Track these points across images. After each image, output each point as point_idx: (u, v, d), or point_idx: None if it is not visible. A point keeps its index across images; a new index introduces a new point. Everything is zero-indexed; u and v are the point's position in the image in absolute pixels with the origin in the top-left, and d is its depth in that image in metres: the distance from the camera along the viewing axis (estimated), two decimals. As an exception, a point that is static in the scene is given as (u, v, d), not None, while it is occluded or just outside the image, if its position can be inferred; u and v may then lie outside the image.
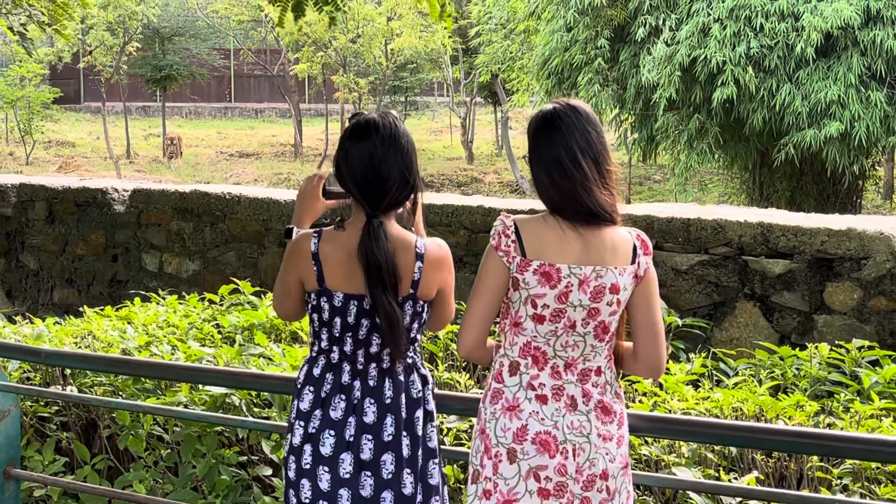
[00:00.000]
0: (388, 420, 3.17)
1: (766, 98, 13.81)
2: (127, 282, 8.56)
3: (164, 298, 6.26)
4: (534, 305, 3.00)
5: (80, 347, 5.27)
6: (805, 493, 3.72)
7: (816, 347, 4.92)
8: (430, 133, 35.34)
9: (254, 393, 4.49)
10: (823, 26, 13.31)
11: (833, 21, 13.27)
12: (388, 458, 3.15)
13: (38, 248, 9.09)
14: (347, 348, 3.21)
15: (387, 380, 3.20)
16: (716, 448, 3.93)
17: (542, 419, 3.00)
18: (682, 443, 3.87)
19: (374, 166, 3.16)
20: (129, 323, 5.66)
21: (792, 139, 13.69)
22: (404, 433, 3.18)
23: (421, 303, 3.20)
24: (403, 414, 3.19)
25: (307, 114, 37.83)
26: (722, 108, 14.04)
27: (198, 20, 35.31)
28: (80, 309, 6.18)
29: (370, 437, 3.15)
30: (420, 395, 3.24)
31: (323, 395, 3.22)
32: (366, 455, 3.14)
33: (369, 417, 3.16)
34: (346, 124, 3.30)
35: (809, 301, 5.79)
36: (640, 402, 4.21)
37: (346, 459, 3.14)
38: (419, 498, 3.17)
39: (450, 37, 26.78)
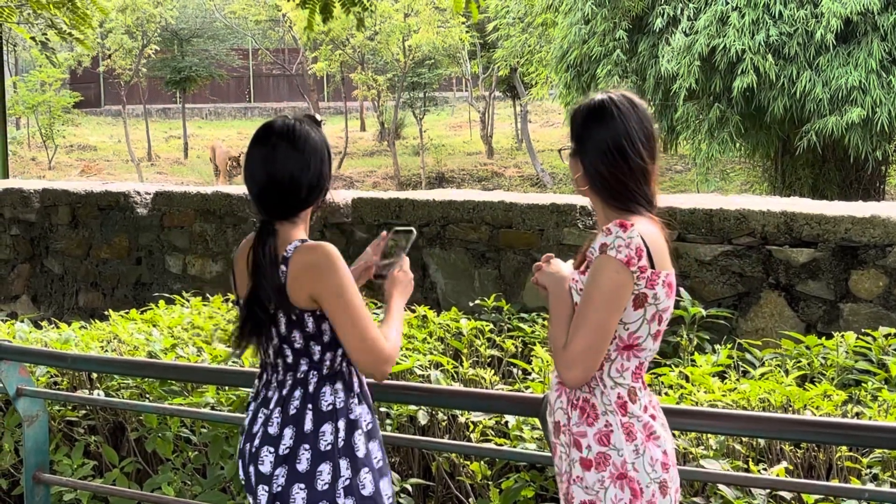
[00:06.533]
0: (288, 432, 3.05)
1: (787, 85, 13.72)
2: (151, 284, 8.59)
3: (188, 300, 6.29)
4: (659, 321, 2.84)
5: (105, 351, 5.30)
6: (834, 483, 3.71)
7: (843, 336, 4.89)
8: (450, 128, 35.31)
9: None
10: (843, 12, 13.21)
11: (852, 6, 13.17)
12: (280, 471, 3.03)
13: (63, 252, 9.14)
14: (271, 355, 3.13)
15: (297, 389, 3.07)
16: (744, 439, 3.92)
17: (670, 439, 2.90)
18: (709, 435, 3.85)
19: (268, 172, 3.07)
20: (154, 326, 5.68)
21: (813, 126, 13.60)
22: (268, 448, 3.04)
23: (297, 310, 3.02)
24: (257, 442, 3.07)
25: (326, 112, 37.89)
26: (742, 97, 13.96)
27: (215, 21, 35.38)
28: (106, 312, 6.22)
29: (272, 449, 3.05)
30: (295, 412, 3.06)
31: (251, 396, 3.20)
32: (265, 468, 3.04)
33: (273, 429, 3.06)
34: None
35: (835, 289, 5.75)
36: (667, 394, 4.19)
37: (252, 469, 3.08)
38: None
39: (467, 32, 26.73)
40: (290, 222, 3.10)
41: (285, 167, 3.06)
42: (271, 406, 3.09)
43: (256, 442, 3.07)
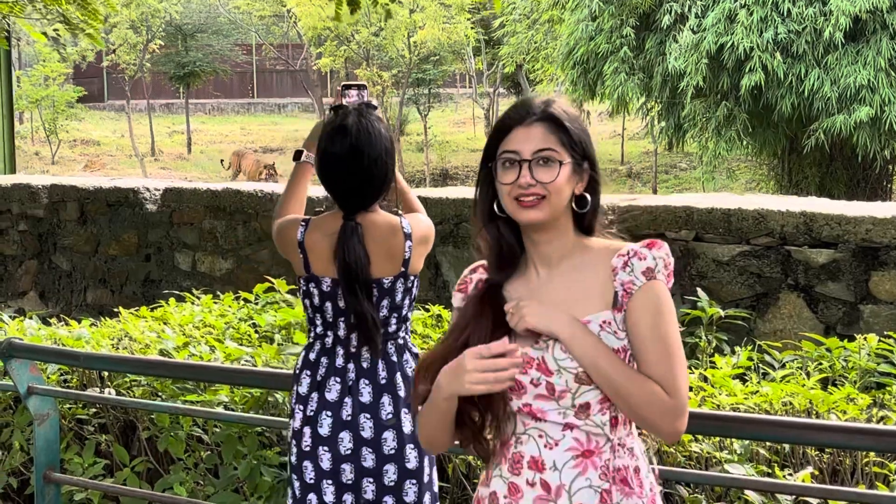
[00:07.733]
0: (386, 399, 3.29)
1: (795, 84, 13.66)
2: (160, 281, 8.54)
3: (198, 298, 6.23)
4: None
5: (117, 349, 5.24)
6: (861, 489, 3.65)
7: (865, 338, 4.83)
8: (454, 124, 35.27)
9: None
10: (852, 10, 13.15)
11: (861, 4, 13.11)
12: (388, 435, 3.27)
13: (71, 248, 9.08)
14: (341, 332, 3.33)
15: (380, 361, 3.32)
16: (768, 444, 3.85)
17: None
18: (733, 439, 3.79)
19: (348, 173, 3.27)
20: (165, 323, 5.62)
21: (821, 125, 13.55)
22: (404, 411, 3.29)
23: (412, 278, 3.35)
24: (402, 392, 3.30)
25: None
26: (750, 95, 13.89)
27: (219, 16, 35.29)
28: (115, 309, 6.16)
29: (368, 415, 3.27)
30: None
31: (319, 378, 3.33)
32: (366, 433, 3.27)
33: (365, 398, 3.28)
34: (326, 115, 3.40)
35: (855, 291, 5.69)
36: (688, 397, 4.13)
37: (346, 437, 3.27)
38: (426, 469, 3.34)
39: (472, 28, 26.67)
40: (371, 210, 3.33)
41: (374, 164, 3.27)
42: (380, 374, 3.32)
43: (389, 408, 3.29)
